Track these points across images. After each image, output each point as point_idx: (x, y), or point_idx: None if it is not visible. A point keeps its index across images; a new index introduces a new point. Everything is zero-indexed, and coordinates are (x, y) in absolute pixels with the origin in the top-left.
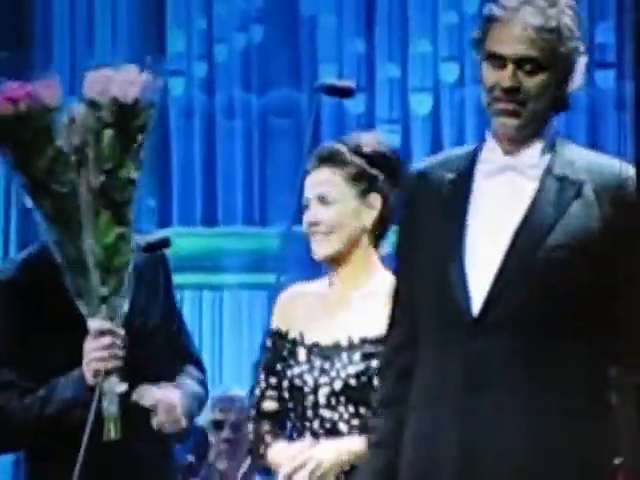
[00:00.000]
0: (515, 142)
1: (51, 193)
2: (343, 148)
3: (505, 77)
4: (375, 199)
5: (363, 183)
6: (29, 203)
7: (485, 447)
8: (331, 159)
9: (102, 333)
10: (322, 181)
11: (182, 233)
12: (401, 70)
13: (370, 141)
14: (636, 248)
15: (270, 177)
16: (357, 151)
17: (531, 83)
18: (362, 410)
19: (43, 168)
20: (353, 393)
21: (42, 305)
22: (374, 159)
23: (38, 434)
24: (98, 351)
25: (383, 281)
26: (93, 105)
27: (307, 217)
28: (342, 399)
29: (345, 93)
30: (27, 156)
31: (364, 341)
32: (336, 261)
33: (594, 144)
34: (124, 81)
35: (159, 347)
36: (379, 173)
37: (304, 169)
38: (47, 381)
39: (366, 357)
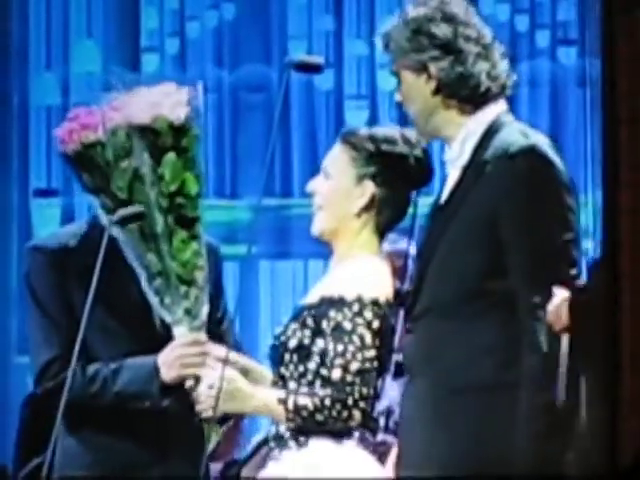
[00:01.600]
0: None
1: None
2: (363, 132)
3: None
4: (367, 186)
5: (363, 169)
6: (107, 221)
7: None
8: (347, 138)
9: (195, 342)
10: (332, 155)
11: None
12: (369, 47)
13: (391, 136)
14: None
15: (241, 151)
16: (373, 139)
17: None
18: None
19: (123, 188)
20: (302, 352)
21: (91, 274)
22: (382, 152)
23: (91, 412)
24: (191, 357)
25: (357, 270)
26: (150, 132)
27: (308, 185)
28: (294, 357)
29: (314, 69)
30: (108, 178)
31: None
32: (330, 239)
33: (556, 120)
34: (173, 103)
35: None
36: (382, 167)
37: (273, 143)
38: (89, 353)
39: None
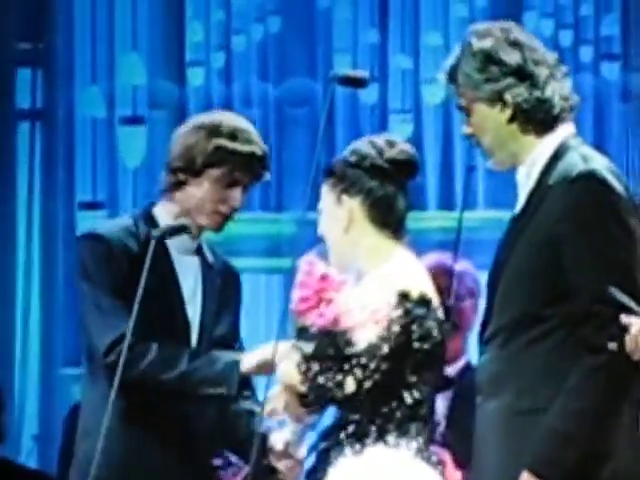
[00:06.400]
0: None
1: None
2: (338, 160)
3: None
4: (344, 201)
5: (337, 188)
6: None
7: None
8: (325, 170)
9: None
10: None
11: None
12: (413, 61)
13: (357, 146)
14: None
15: (286, 164)
16: (342, 158)
17: None
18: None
19: None
20: None
21: (140, 265)
22: (349, 164)
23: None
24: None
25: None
26: None
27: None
28: None
29: (359, 83)
30: None
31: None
32: (347, 267)
33: (600, 136)
34: None
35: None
36: (351, 176)
37: (318, 157)
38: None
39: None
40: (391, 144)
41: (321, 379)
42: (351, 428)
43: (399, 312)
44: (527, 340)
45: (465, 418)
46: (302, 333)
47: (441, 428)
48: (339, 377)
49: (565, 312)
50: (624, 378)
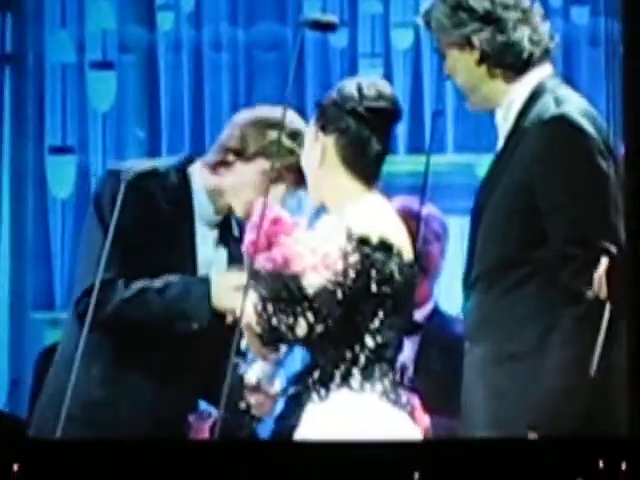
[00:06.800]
0: None
1: None
2: (328, 95)
3: None
4: (320, 138)
5: (317, 124)
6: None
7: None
8: (315, 106)
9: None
10: None
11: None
12: (383, 6)
13: (342, 85)
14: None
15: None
16: (331, 96)
17: None
18: None
19: None
20: None
21: (158, 213)
22: (333, 103)
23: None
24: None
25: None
26: None
27: None
28: None
29: (328, 27)
30: None
31: None
32: (324, 204)
33: (569, 80)
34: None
35: None
36: (330, 116)
37: (288, 101)
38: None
39: None
40: (373, 89)
41: (274, 321)
42: (317, 374)
43: (356, 257)
44: (508, 285)
45: (433, 363)
46: (256, 275)
47: (409, 373)
48: (291, 320)
49: (542, 256)
50: (607, 322)
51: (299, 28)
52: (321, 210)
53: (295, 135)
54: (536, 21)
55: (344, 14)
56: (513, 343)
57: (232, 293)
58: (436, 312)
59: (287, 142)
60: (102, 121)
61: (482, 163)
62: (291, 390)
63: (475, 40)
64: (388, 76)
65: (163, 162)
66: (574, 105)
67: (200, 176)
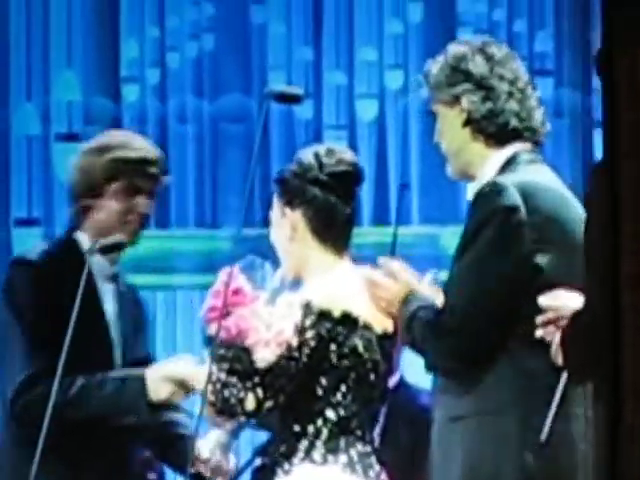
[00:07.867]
0: None
1: None
2: (286, 169)
3: None
4: (287, 214)
5: (282, 200)
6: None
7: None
8: (275, 182)
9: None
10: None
11: None
12: (348, 77)
13: (300, 159)
14: None
15: (221, 181)
16: (289, 169)
17: None
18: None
19: None
20: None
21: (68, 291)
22: (295, 175)
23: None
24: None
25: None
26: None
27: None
28: None
29: (293, 99)
30: None
31: None
32: (297, 277)
33: None
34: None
35: None
36: (294, 189)
37: (253, 173)
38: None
39: None
40: (332, 155)
41: (226, 392)
42: (283, 447)
43: (312, 333)
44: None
45: (398, 434)
46: (210, 342)
47: (375, 444)
48: (242, 394)
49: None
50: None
51: (264, 100)
52: (297, 283)
53: (123, 145)
54: (529, 102)
55: (309, 85)
56: (459, 406)
57: (168, 383)
58: (402, 384)
59: (121, 154)
60: (68, 193)
61: (446, 234)
62: (257, 462)
63: (464, 101)
64: (353, 147)
65: (56, 239)
66: (519, 178)
67: (84, 237)
